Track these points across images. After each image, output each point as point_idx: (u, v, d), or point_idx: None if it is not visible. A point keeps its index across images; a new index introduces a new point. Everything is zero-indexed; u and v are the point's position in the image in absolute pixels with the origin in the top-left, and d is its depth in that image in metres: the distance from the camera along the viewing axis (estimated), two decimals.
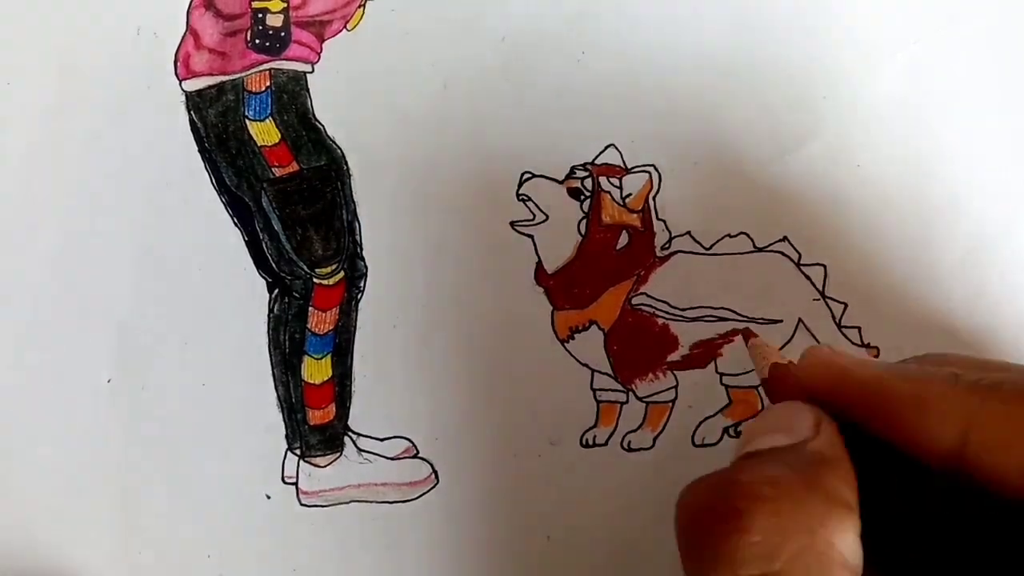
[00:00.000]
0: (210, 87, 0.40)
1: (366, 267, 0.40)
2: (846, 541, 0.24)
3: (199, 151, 0.40)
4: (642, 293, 0.40)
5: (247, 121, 0.40)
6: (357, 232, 0.40)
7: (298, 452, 0.40)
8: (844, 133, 0.41)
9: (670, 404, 0.40)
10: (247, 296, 0.40)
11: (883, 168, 0.41)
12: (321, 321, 0.40)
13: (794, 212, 0.40)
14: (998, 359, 0.30)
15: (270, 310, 0.40)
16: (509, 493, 0.40)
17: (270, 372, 0.40)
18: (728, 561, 0.24)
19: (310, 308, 0.40)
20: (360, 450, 0.40)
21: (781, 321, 0.40)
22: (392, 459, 0.40)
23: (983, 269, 0.40)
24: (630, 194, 0.40)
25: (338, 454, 0.40)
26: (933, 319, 0.40)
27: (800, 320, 0.40)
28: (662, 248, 0.40)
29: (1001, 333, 0.40)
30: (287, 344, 0.40)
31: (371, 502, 0.40)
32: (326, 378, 0.40)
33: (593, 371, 0.40)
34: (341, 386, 0.40)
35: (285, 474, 0.40)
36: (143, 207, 0.40)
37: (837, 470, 0.26)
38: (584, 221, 0.40)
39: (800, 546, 0.24)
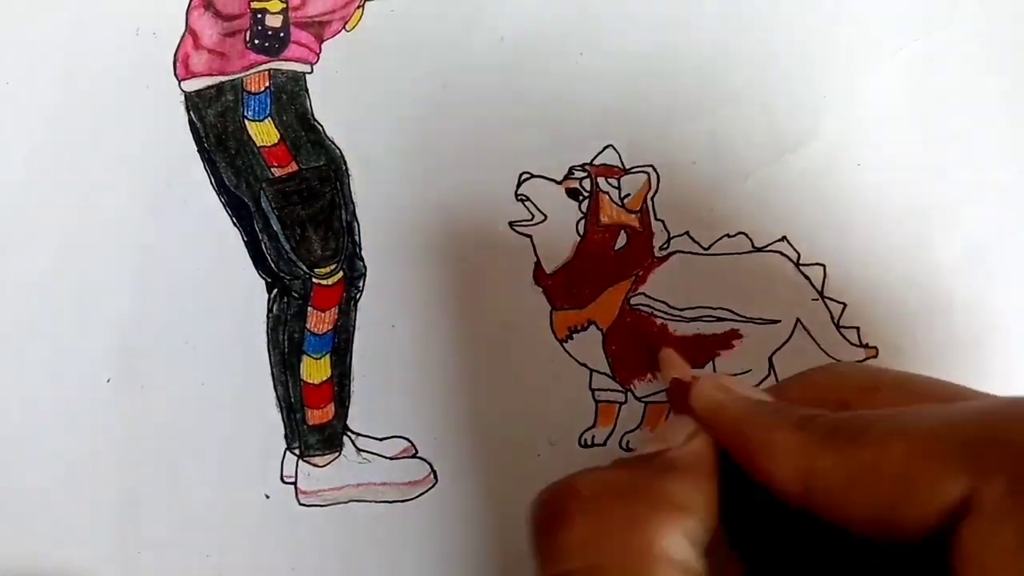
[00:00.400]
0: (209, 87, 0.40)
1: (365, 267, 0.40)
2: (672, 540, 0.25)
3: (198, 151, 0.40)
4: (641, 293, 0.40)
5: (246, 121, 0.40)
6: (356, 232, 0.40)
7: (297, 452, 0.40)
8: (844, 133, 0.41)
9: (669, 404, 0.40)
10: (246, 296, 0.40)
11: (883, 168, 0.41)
12: (320, 321, 0.40)
13: (793, 212, 0.40)
14: (891, 370, 0.31)
15: (269, 310, 0.40)
16: (508, 493, 0.40)
17: (269, 372, 0.40)
18: (552, 554, 0.26)
19: (309, 308, 0.40)
20: (359, 450, 0.40)
21: (780, 321, 0.40)
22: (391, 459, 0.40)
23: (983, 269, 0.40)
24: (628, 194, 0.40)
25: (337, 454, 0.40)
26: (933, 319, 0.40)
27: (799, 320, 0.40)
28: (660, 248, 0.40)
29: (1001, 333, 0.40)
30: (286, 344, 0.40)
31: (370, 502, 0.40)
32: (325, 378, 0.40)
33: (592, 371, 0.40)
34: (340, 386, 0.40)
35: (284, 474, 0.40)
36: (142, 207, 0.40)
37: (681, 476, 0.27)
38: (582, 221, 0.40)
39: (619, 542, 0.25)
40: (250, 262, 0.40)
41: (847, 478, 0.25)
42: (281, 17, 0.40)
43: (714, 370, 0.40)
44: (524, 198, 0.40)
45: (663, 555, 0.25)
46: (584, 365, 0.40)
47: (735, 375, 0.40)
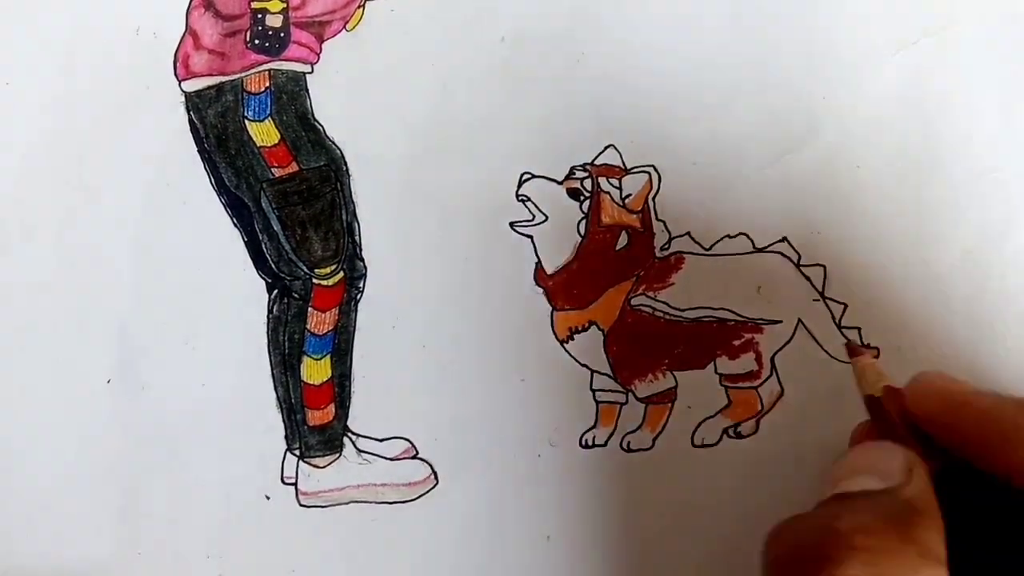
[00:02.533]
0: (209, 88, 0.40)
1: (365, 267, 0.40)
2: None
3: (198, 152, 0.40)
4: (641, 294, 0.40)
5: (246, 121, 0.40)
6: (356, 232, 0.40)
7: (297, 453, 0.40)
8: (844, 133, 0.41)
9: (669, 405, 0.40)
10: (246, 297, 0.40)
11: (883, 168, 0.41)
12: (320, 322, 0.40)
13: (794, 213, 0.40)
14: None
15: (269, 311, 0.40)
16: (508, 493, 0.40)
17: (269, 373, 0.40)
18: None
19: (309, 309, 0.40)
20: (359, 451, 0.40)
21: (780, 322, 0.40)
22: (391, 460, 0.40)
23: (983, 269, 0.40)
24: (629, 195, 0.40)
25: (337, 455, 0.40)
26: (933, 319, 0.40)
27: (800, 321, 0.40)
28: (662, 249, 0.40)
29: (1001, 333, 0.40)
30: (286, 345, 0.40)
31: (370, 502, 0.40)
32: (325, 379, 0.40)
33: (592, 371, 0.40)
34: (340, 387, 0.40)
35: (284, 474, 0.40)
36: (143, 207, 0.40)
37: (929, 521, 0.26)
38: (584, 222, 0.40)
39: None
40: (250, 263, 0.40)
41: None
42: (281, 17, 0.40)
43: (715, 370, 0.40)
44: (525, 198, 0.40)
45: None
46: (585, 366, 0.40)
47: (736, 375, 0.40)
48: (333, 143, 0.40)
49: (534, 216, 0.40)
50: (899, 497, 0.27)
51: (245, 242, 0.40)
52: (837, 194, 0.40)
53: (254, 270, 0.40)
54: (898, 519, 0.26)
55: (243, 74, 0.40)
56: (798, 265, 0.40)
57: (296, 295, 0.40)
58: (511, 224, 0.40)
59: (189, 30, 0.41)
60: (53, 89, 0.41)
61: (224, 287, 0.40)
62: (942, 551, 0.25)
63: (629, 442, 0.40)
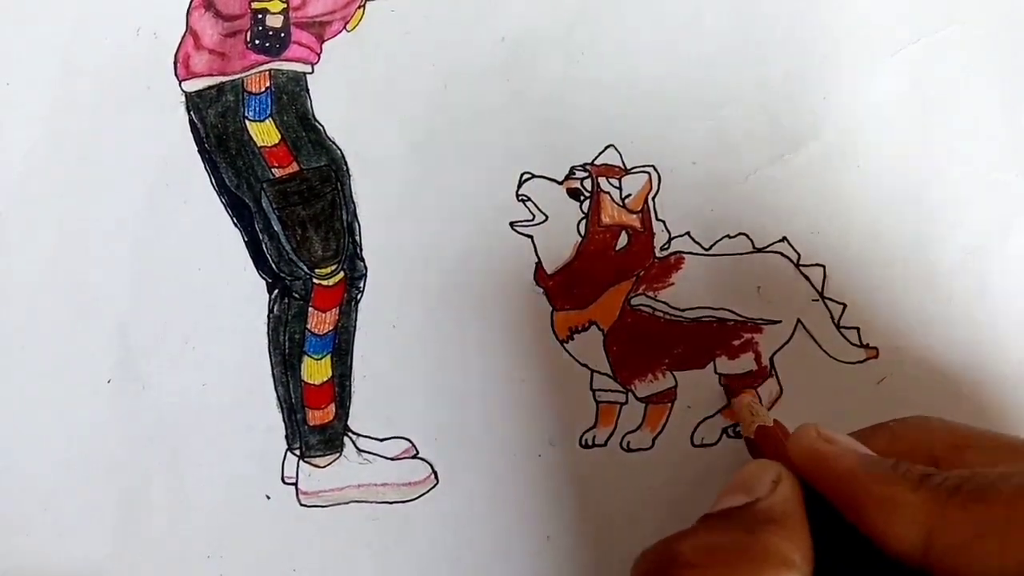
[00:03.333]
0: (210, 88, 0.40)
1: (366, 267, 0.40)
2: None
3: (199, 152, 0.40)
4: (641, 294, 0.40)
5: (247, 122, 0.40)
6: (357, 232, 0.40)
7: (298, 452, 0.40)
8: (844, 133, 0.41)
9: (669, 404, 0.40)
10: (247, 296, 0.40)
11: (883, 168, 0.41)
12: (321, 322, 0.40)
13: (793, 213, 0.40)
14: (977, 427, 0.31)
15: (270, 310, 0.40)
16: (508, 493, 0.40)
17: (270, 372, 0.40)
18: None
19: (310, 308, 0.40)
20: (360, 450, 0.40)
21: (780, 322, 0.40)
22: (392, 459, 0.40)
23: (983, 269, 0.40)
24: (629, 194, 0.40)
25: (338, 454, 0.40)
26: (933, 319, 0.40)
27: (799, 321, 0.40)
28: (661, 248, 0.40)
29: (1001, 333, 0.40)
30: (287, 344, 0.40)
31: (371, 502, 0.40)
32: (326, 378, 0.40)
33: (592, 371, 0.40)
34: (341, 386, 0.40)
35: (285, 474, 0.40)
36: (143, 207, 0.40)
37: (781, 528, 0.27)
38: (584, 221, 0.40)
39: None
40: (251, 263, 0.40)
41: (975, 535, 0.25)
42: (282, 17, 0.40)
43: (715, 370, 0.40)
44: (525, 198, 0.40)
45: None
46: (585, 366, 0.40)
47: (736, 376, 0.40)
48: (333, 143, 0.40)
49: (534, 216, 0.40)
50: (754, 509, 0.28)
51: (245, 242, 0.40)
52: (837, 194, 0.40)
53: (254, 270, 0.40)
54: (744, 531, 0.27)
55: (244, 74, 0.40)
56: (798, 265, 0.40)
57: (296, 295, 0.40)
58: (511, 224, 0.40)
59: (190, 30, 0.41)
60: (53, 89, 0.41)
61: (224, 287, 0.40)
62: (793, 554, 0.26)
63: (629, 442, 0.40)
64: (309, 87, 0.41)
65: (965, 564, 0.25)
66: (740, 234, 0.40)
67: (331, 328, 0.40)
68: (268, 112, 0.40)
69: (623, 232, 0.40)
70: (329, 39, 0.41)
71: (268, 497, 0.40)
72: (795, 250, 0.40)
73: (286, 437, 0.40)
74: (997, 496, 0.25)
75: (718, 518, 0.28)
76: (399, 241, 0.40)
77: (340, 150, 0.40)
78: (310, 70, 0.41)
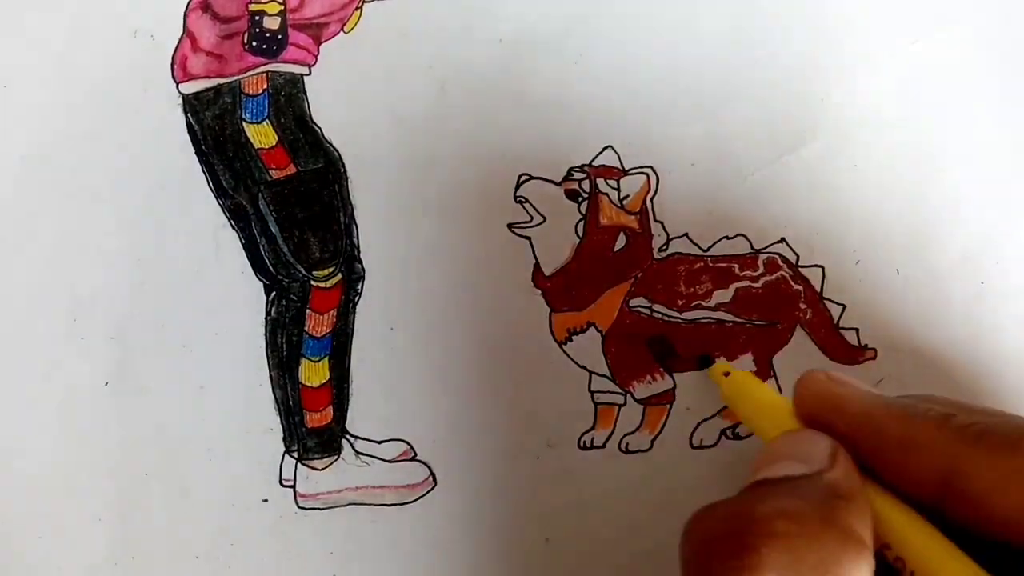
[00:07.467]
0: (207, 90, 0.40)
1: (363, 269, 0.40)
2: None
3: (196, 154, 0.40)
4: (641, 295, 0.40)
5: (244, 124, 0.40)
6: (354, 234, 0.40)
7: (296, 455, 0.40)
8: (844, 133, 0.41)
9: (668, 406, 0.40)
10: (244, 299, 0.40)
11: (882, 168, 0.40)
12: (318, 324, 0.40)
13: (792, 213, 0.40)
14: (984, 406, 0.30)
15: (267, 313, 0.40)
16: (507, 495, 0.40)
17: (267, 375, 0.40)
18: None
19: (307, 311, 0.40)
20: (358, 453, 0.40)
21: (779, 323, 0.40)
22: (390, 462, 0.40)
23: (983, 269, 0.40)
24: (628, 196, 0.40)
25: (336, 457, 0.40)
26: (933, 319, 0.40)
27: (798, 322, 0.40)
28: (660, 250, 0.40)
29: (1001, 333, 0.40)
30: (284, 347, 0.40)
31: (369, 505, 0.40)
32: (323, 381, 0.40)
33: (591, 373, 0.40)
34: (339, 389, 0.40)
35: (283, 477, 0.40)
36: (140, 210, 0.40)
37: (853, 505, 0.25)
38: (582, 223, 0.40)
39: None
40: (248, 265, 0.40)
41: (999, 484, 0.24)
42: (279, 19, 0.40)
43: None
44: (523, 199, 0.40)
45: None
46: (583, 367, 0.40)
47: None
48: (331, 145, 0.40)
49: (532, 217, 0.40)
50: (822, 482, 0.26)
51: (243, 244, 0.40)
52: (836, 194, 0.40)
53: (252, 272, 0.40)
54: (820, 503, 0.25)
55: (241, 76, 0.40)
56: (797, 266, 0.40)
57: (294, 297, 0.40)
58: (509, 226, 0.40)
59: (187, 32, 0.41)
60: (50, 91, 0.41)
61: (222, 289, 0.40)
62: (867, 535, 0.25)
63: (628, 443, 0.40)
64: (306, 89, 0.40)
65: (985, 512, 0.24)
66: (739, 235, 0.40)
67: (329, 330, 0.40)
68: (265, 114, 0.40)
69: (621, 233, 0.40)
70: (326, 41, 0.41)
71: (266, 500, 0.40)
72: (794, 251, 0.40)
73: (284, 439, 0.40)
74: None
75: (783, 486, 0.26)
76: (397, 243, 0.40)
77: (338, 152, 0.40)
78: (307, 72, 0.40)
